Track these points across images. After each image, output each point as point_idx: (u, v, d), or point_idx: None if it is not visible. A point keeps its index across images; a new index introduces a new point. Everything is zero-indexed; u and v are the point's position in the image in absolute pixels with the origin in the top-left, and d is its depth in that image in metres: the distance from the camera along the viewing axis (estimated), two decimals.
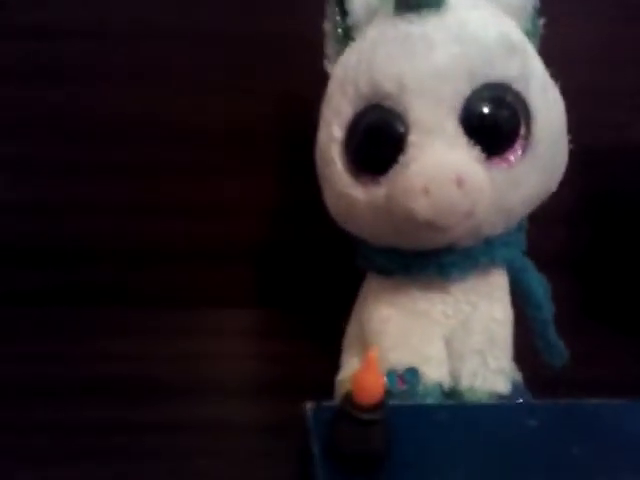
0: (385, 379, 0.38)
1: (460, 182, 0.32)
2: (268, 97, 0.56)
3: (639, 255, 0.60)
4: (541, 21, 0.40)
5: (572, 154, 0.40)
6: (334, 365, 0.44)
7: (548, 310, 0.42)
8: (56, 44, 0.54)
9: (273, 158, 0.57)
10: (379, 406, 0.27)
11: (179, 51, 0.55)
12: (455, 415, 0.32)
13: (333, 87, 0.39)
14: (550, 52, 0.38)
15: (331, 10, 0.41)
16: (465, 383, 0.38)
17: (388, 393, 0.37)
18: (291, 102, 0.55)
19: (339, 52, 0.40)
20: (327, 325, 0.46)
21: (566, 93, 0.38)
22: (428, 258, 0.38)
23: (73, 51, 0.55)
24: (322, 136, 0.40)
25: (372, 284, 0.43)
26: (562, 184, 0.40)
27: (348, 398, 0.27)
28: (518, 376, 0.43)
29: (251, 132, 0.57)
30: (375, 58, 0.36)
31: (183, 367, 0.48)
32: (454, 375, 0.39)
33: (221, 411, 0.43)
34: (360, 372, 0.26)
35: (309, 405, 0.31)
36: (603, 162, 0.59)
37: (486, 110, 0.35)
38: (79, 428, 0.40)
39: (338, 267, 0.46)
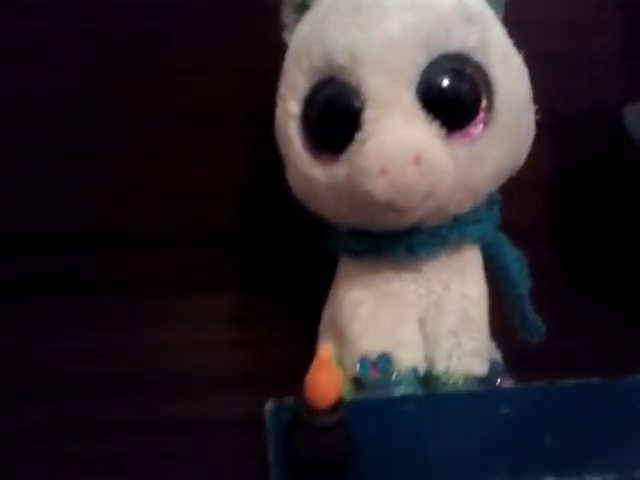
0: (357, 368, 0.37)
1: (418, 160, 0.31)
2: (237, 75, 0.54)
3: (618, 224, 0.58)
4: None
5: (548, 123, 0.38)
6: (313, 352, 0.42)
7: (524, 285, 0.40)
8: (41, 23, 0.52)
9: (246, 138, 0.55)
10: (335, 408, 0.25)
11: (148, 29, 0.53)
12: (423, 406, 0.31)
13: (288, 60, 0.37)
14: (516, 20, 0.36)
15: None
16: (440, 366, 0.37)
17: (361, 382, 0.36)
18: (262, 80, 0.53)
19: (296, 21, 0.38)
20: (307, 310, 0.45)
21: (539, 61, 0.37)
22: (396, 238, 0.37)
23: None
24: (279, 112, 0.38)
25: (344, 266, 0.42)
26: (538, 153, 0.38)
27: (301, 402, 0.25)
28: (497, 354, 0.42)
29: (220, 110, 0.54)
30: (327, 28, 0.34)
31: (156, 357, 0.47)
32: (429, 358, 0.37)
33: (196, 403, 0.42)
34: (312, 373, 0.25)
35: (269, 404, 0.30)
36: (579, 130, 0.57)
37: (444, 82, 0.33)
38: (51, 426, 0.39)
39: (315, 250, 0.45)
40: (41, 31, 0.52)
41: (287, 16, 0.39)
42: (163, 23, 0.53)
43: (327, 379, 0.25)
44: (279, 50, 0.39)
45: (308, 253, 0.53)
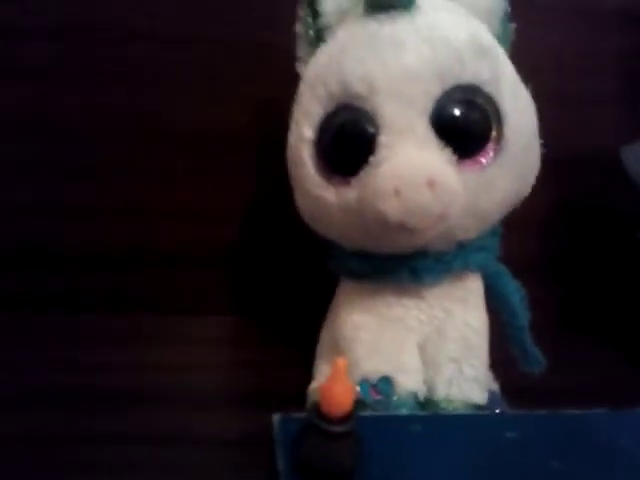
0: (358, 389, 0.37)
1: (431, 184, 0.32)
2: (245, 102, 0.55)
3: (613, 262, 0.60)
4: (512, 26, 0.39)
5: (546, 160, 0.39)
6: (310, 373, 0.43)
7: (524, 317, 0.41)
8: (39, 44, 0.53)
9: (247, 162, 0.56)
10: (348, 418, 0.25)
11: (155, 54, 0.54)
12: (429, 426, 0.31)
13: (304, 88, 0.39)
14: (521, 59, 0.38)
15: (303, 12, 0.40)
16: (440, 392, 0.37)
17: (361, 404, 0.37)
18: (268, 107, 0.54)
19: (310, 54, 0.39)
20: (302, 332, 0.45)
21: (537, 101, 0.38)
22: (401, 262, 0.38)
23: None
24: (293, 137, 0.39)
25: (345, 289, 0.43)
26: (537, 190, 0.39)
27: (315, 410, 0.25)
28: (495, 385, 0.42)
29: (225, 136, 0.55)
30: (345, 59, 0.35)
31: (152, 376, 0.46)
32: (429, 384, 0.38)
33: (191, 422, 0.41)
34: (328, 382, 0.25)
35: (276, 417, 0.30)
36: (577, 168, 0.59)
37: (457, 112, 0.34)
38: (40, 440, 0.39)
39: (313, 273, 0.46)
40: (43, 55, 0.53)
41: (302, 49, 0.40)
42: (177, 51, 0.54)
43: (342, 388, 0.25)
44: (287, 80, 0.40)
45: (305, 276, 0.54)
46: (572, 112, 0.57)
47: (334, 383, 0.25)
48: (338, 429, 0.25)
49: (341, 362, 0.25)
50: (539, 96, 0.38)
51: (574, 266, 0.61)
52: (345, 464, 0.26)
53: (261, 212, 0.57)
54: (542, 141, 0.39)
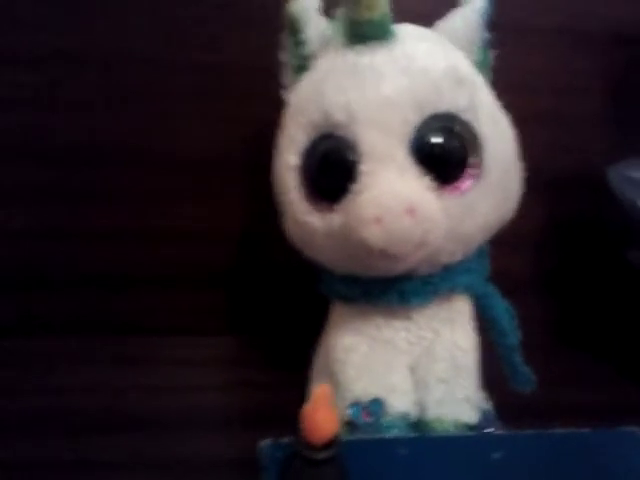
0: (349, 412, 0.37)
1: (411, 211, 0.32)
2: (236, 124, 0.56)
3: (603, 279, 0.60)
4: (492, 53, 0.40)
5: (536, 180, 0.40)
6: (305, 394, 0.42)
7: (514, 336, 0.41)
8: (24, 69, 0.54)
9: (241, 184, 0.57)
10: (331, 444, 0.26)
11: (150, 78, 0.55)
12: (417, 448, 0.32)
13: (288, 115, 0.39)
14: (507, 80, 0.39)
15: (287, 40, 0.41)
16: (431, 413, 0.37)
17: (352, 426, 0.37)
18: (259, 129, 0.55)
19: (295, 81, 0.40)
20: (299, 353, 0.45)
21: (527, 122, 0.39)
22: (388, 285, 0.38)
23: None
24: (278, 164, 0.40)
25: (336, 312, 0.43)
26: (528, 209, 0.40)
27: (299, 437, 0.26)
28: (488, 405, 0.43)
29: (218, 157, 0.56)
30: (326, 88, 0.36)
31: (147, 398, 0.47)
32: (420, 405, 0.38)
33: (187, 445, 0.42)
34: (310, 409, 0.26)
35: (264, 443, 0.30)
36: (566, 186, 0.59)
37: (435, 140, 0.35)
38: (29, 465, 0.39)
39: (309, 294, 0.46)
40: (29, 80, 0.54)
41: (286, 76, 0.41)
42: (167, 75, 0.55)
43: (325, 415, 0.26)
44: (276, 104, 0.41)
45: (300, 298, 0.54)
46: (559, 132, 0.58)
47: (316, 410, 0.26)
48: (321, 456, 0.26)
49: (323, 388, 0.26)
50: (527, 117, 0.39)
51: (565, 283, 0.61)
52: None
53: (257, 233, 0.58)
54: (527, 164, 0.39)
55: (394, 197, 0.33)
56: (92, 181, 0.56)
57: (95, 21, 0.54)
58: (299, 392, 0.42)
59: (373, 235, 0.33)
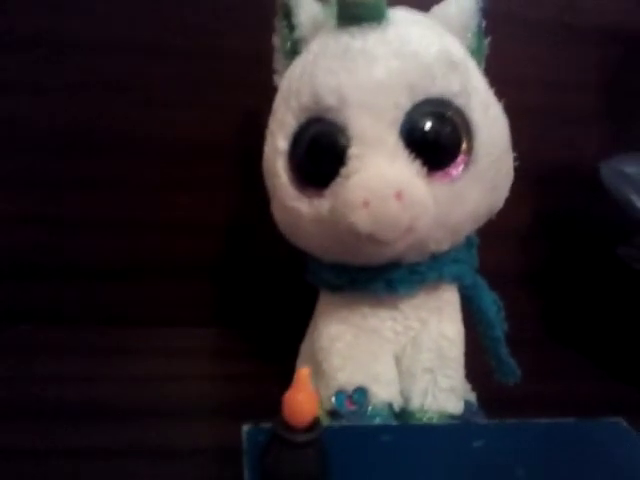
0: (333, 400, 0.37)
1: (399, 196, 0.32)
2: (225, 112, 0.55)
3: (593, 274, 0.60)
4: (487, 40, 0.40)
5: (527, 173, 0.40)
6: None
7: (500, 328, 0.41)
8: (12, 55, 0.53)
9: (228, 174, 0.57)
10: (312, 427, 0.26)
11: (138, 65, 0.55)
12: (399, 437, 0.32)
13: (278, 99, 0.39)
14: (502, 73, 0.38)
15: (279, 24, 0.41)
16: (415, 402, 0.37)
17: (337, 414, 0.37)
18: (249, 118, 0.54)
19: (287, 66, 0.40)
20: (285, 344, 0.45)
21: (520, 115, 0.39)
22: (375, 274, 0.38)
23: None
24: (268, 148, 0.39)
25: (323, 301, 0.43)
26: (517, 203, 0.40)
27: (279, 419, 0.26)
28: (471, 396, 0.43)
29: (206, 148, 0.56)
30: (317, 71, 0.36)
31: (133, 389, 0.46)
32: (405, 394, 0.38)
33: (171, 435, 0.41)
34: (290, 392, 0.25)
35: (245, 428, 0.30)
36: (557, 180, 0.59)
37: (427, 125, 0.34)
38: (21, 453, 0.38)
39: (296, 285, 0.46)
40: (17, 67, 0.53)
41: (278, 61, 0.41)
42: (160, 64, 0.55)
43: (305, 397, 0.25)
44: (268, 92, 0.40)
45: (287, 290, 0.54)
46: (552, 125, 0.58)
47: (296, 392, 0.25)
48: (302, 438, 0.25)
49: (303, 371, 0.25)
50: (518, 111, 0.38)
51: (555, 278, 0.62)
52: (310, 473, 0.26)
53: (243, 224, 0.57)
54: (517, 155, 0.39)
55: (382, 181, 0.33)
56: (77, 170, 0.55)
57: (82, 6, 0.53)
58: (285, 384, 0.42)
59: (361, 219, 0.32)
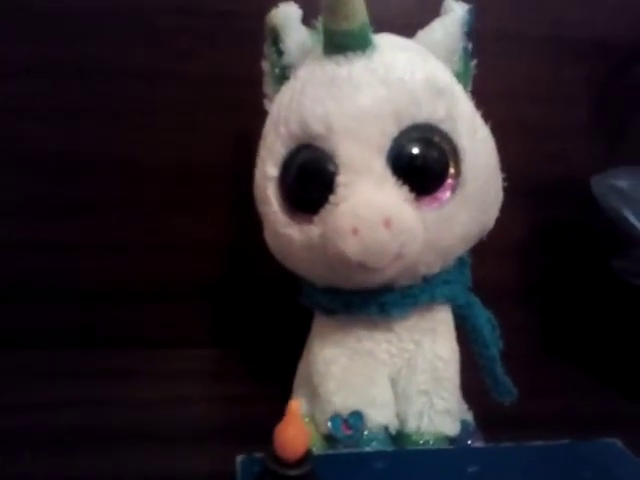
0: (329, 425, 0.37)
1: (388, 223, 0.32)
2: (220, 135, 0.56)
3: (588, 288, 0.60)
4: (473, 62, 0.40)
5: (521, 188, 0.40)
6: None
7: (495, 347, 0.41)
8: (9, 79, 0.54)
9: (225, 196, 0.57)
10: (303, 461, 0.26)
11: (133, 89, 0.55)
12: (393, 463, 0.32)
13: (268, 126, 0.39)
14: (492, 89, 0.39)
15: (268, 50, 0.41)
16: (412, 425, 0.37)
17: (333, 439, 0.37)
18: (243, 140, 0.55)
19: (276, 91, 0.40)
20: (284, 365, 0.45)
21: (513, 130, 0.39)
22: (368, 297, 0.38)
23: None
24: (258, 175, 0.39)
25: (318, 324, 0.43)
26: (513, 218, 0.40)
27: (270, 453, 0.26)
28: (468, 415, 0.42)
29: (203, 169, 0.56)
30: (304, 99, 0.36)
31: (130, 411, 0.46)
32: (401, 417, 0.38)
33: (168, 457, 0.41)
34: (281, 426, 0.25)
35: (239, 458, 0.30)
36: (551, 195, 0.60)
37: (413, 150, 0.34)
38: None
39: (294, 306, 0.46)
40: (14, 91, 0.54)
41: (268, 86, 0.41)
42: (154, 87, 0.55)
43: (296, 432, 0.25)
44: (261, 115, 0.40)
45: (285, 310, 0.54)
46: (545, 140, 0.58)
47: (287, 426, 0.25)
48: (294, 473, 0.25)
49: (294, 405, 0.25)
50: (511, 126, 0.39)
51: (550, 293, 0.62)
52: None
53: (241, 246, 0.58)
54: (509, 171, 0.39)
55: (370, 208, 0.33)
56: (75, 194, 0.56)
57: (79, 33, 0.54)
58: (282, 405, 0.42)
59: (350, 247, 0.32)
